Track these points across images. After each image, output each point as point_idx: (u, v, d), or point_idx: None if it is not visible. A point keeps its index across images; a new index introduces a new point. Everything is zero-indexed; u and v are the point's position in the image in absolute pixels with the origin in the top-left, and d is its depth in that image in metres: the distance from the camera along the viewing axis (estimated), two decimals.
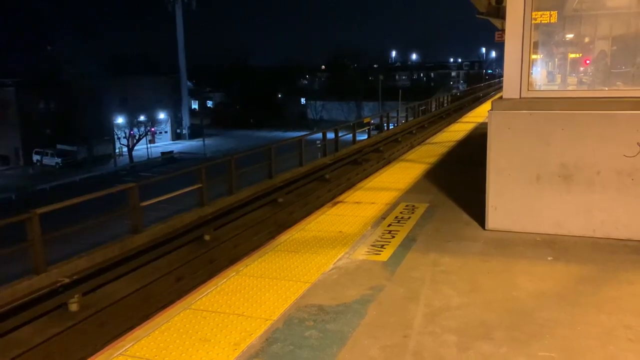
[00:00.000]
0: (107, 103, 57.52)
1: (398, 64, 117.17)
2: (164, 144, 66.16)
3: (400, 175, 9.24)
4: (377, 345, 3.50)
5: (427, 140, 15.80)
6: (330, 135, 19.04)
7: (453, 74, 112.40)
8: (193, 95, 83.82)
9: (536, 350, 3.38)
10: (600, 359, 3.29)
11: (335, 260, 5.05)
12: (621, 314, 3.83)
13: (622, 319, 3.74)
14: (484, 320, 3.81)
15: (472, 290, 4.31)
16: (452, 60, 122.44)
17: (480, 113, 23.97)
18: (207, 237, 10.62)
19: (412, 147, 18.76)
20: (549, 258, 4.96)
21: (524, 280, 4.49)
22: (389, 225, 6.12)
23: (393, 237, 5.69)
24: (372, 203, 7.26)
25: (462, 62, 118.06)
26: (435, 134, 19.07)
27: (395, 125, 28.76)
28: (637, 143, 5.10)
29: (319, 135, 19.16)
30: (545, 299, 4.13)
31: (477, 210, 6.10)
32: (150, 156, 57.73)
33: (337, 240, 5.66)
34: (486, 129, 5.70)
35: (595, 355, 3.33)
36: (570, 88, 6.57)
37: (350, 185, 12.85)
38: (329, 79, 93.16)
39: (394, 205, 7.06)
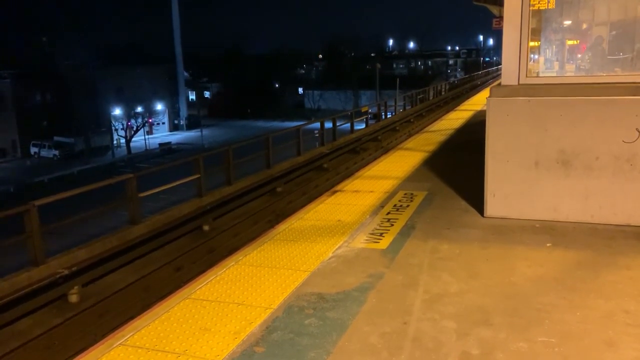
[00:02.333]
0: (103, 94, 57.32)
1: (395, 52, 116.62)
2: (162, 135, 66.06)
3: (398, 164, 9.23)
4: (376, 332, 3.51)
5: (425, 129, 15.78)
6: (328, 124, 19.01)
7: (450, 62, 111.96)
8: (190, 85, 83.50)
9: (535, 336, 3.39)
10: (599, 343, 3.30)
11: (335, 249, 5.06)
12: (620, 298, 3.84)
13: (620, 304, 3.76)
14: (482, 306, 3.82)
15: (470, 277, 4.32)
16: (449, 48, 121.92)
17: (478, 101, 23.92)
18: (205, 227, 10.63)
19: (410, 135, 18.73)
20: (548, 244, 4.97)
21: (523, 266, 4.50)
22: (388, 214, 6.12)
23: (392, 225, 5.69)
24: (371, 192, 7.26)
25: (459, 50, 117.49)
26: (433, 122, 19.05)
27: (393, 114, 28.70)
28: (636, 129, 5.10)
29: (317, 124, 19.13)
30: (544, 285, 4.14)
31: (475, 198, 6.10)
32: (148, 147, 57.64)
33: (336, 229, 5.67)
34: (484, 116, 5.69)
35: (594, 339, 3.34)
36: (568, 74, 6.55)
37: (348, 174, 12.85)
38: (326, 68, 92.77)
39: (392, 194, 7.06)
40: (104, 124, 57.23)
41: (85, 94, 54.99)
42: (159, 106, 67.12)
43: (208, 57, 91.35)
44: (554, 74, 6.49)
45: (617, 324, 3.50)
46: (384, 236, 5.34)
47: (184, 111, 72.78)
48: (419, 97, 33.63)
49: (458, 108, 22.85)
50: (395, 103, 29.57)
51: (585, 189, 5.36)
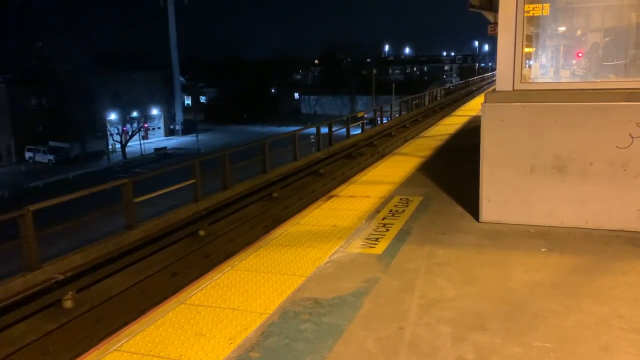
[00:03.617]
0: (99, 99, 57.17)
1: (391, 57, 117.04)
2: (157, 139, 65.95)
3: (394, 169, 9.25)
4: (372, 337, 3.51)
5: (421, 134, 15.81)
6: (324, 129, 19.04)
7: (446, 67, 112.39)
8: (186, 90, 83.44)
9: (531, 340, 3.40)
10: (594, 348, 3.31)
11: (330, 254, 5.06)
12: (615, 303, 3.86)
13: (615, 309, 3.77)
14: (479, 311, 3.82)
15: (467, 282, 4.32)
16: (445, 54, 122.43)
17: (473, 106, 24.00)
18: (201, 233, 10.62)
19: (406, 140, 18.78)
20: (543, 249, 4.98)
21: (519, 271, 4.51)
22: (384, 219, 6.13)
23: (387, 230, 5.70)
24: (367, 197, 7.26)
25: (455, 55, 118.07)
26: (429, 127, 19.10)
27: (389, 119, 28.77)
28: (630, 134, 5.13)
29: (313, 129, 19.16)
30: (540, 290, 4.15)
31: (471, 203, 6.12)
32: (143, 152, 57.53)
33: (332, 234, 5.67)
34: (479, 122, 5.71)
35: (589, 344, 3.35)
36: (563, 80, 6.59)
37: (344, 179, 12.87)
38: (323, 73, 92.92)
39: (388, 199, 7.06)
40: (100, 129, 57.08)
41: (81, 99, 54.80)
42: (155, 111, 67.04)
43: (205, 62, 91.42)
44: (549, 80, 6.52)
45: (612, 329, 3.51)
46: (379, 241, 5.34)
47: (179, 116, 72.72)
48: (414, 102, 33.72)
49: (454, 113, 22.92)
50: (391, 108, 29.66)
51: (580, 194, 5.38)
